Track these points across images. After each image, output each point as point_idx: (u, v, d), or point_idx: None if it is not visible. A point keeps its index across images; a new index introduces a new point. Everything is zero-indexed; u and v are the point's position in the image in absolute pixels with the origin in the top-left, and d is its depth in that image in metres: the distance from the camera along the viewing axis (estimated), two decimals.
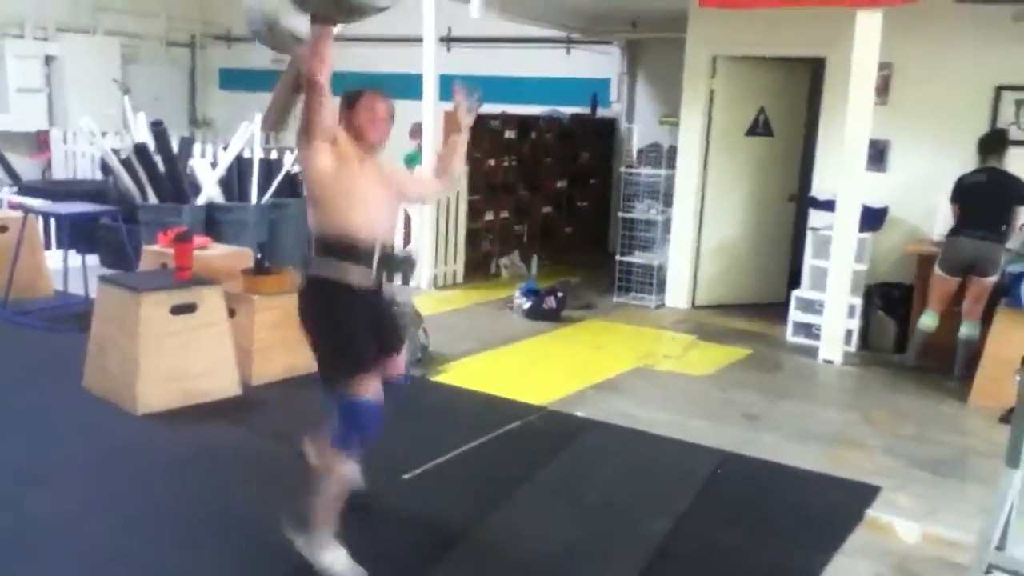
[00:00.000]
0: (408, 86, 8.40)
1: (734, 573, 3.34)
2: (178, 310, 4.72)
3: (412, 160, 8.18)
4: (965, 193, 5.75)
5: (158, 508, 3.65)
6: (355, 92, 3.24)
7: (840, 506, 3.94)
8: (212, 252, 5.80)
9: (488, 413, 4.93)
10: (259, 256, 5.42)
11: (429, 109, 7.79)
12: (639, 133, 9.20)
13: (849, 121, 6.00)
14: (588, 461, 4.30)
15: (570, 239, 9.94)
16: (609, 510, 3.76)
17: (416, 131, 8.07)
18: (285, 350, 5.22)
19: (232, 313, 5.12)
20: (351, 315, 3.12)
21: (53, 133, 10.78)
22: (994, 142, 5.83)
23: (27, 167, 11.02)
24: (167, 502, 3.72)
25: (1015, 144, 6.05)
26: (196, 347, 4.79)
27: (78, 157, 10.55)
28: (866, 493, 4.08)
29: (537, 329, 6.88)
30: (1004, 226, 5.71)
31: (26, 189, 8.75)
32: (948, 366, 5.97)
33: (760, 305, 7.75)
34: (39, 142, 11.04)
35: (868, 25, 5.83)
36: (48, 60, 11.30)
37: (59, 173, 10.69)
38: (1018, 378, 3.35)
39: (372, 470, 3.84)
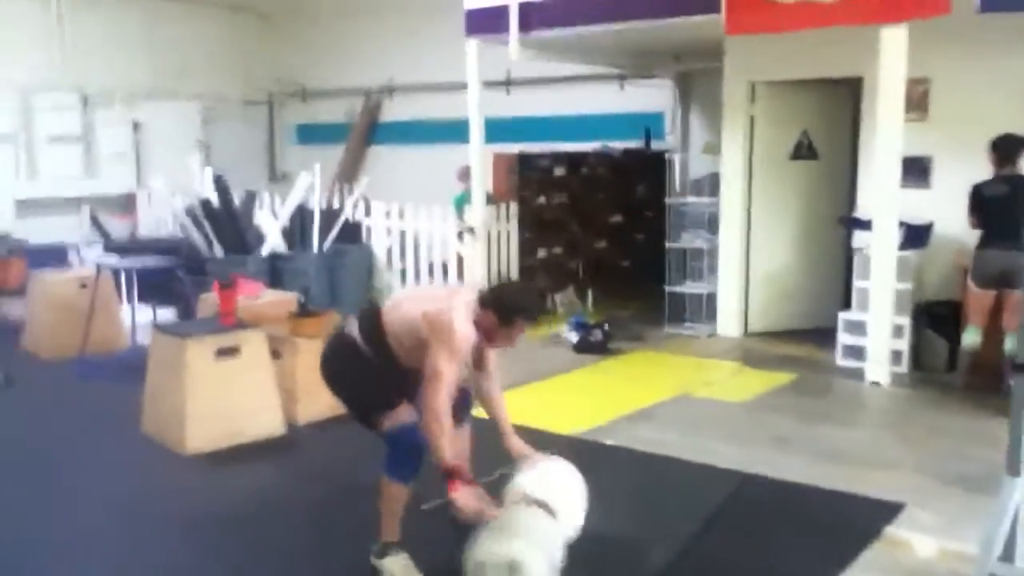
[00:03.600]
0: (456, 131, 8.73)
1: None
2: (222, 353, 5.03)
3: (461, 201, 8.44)
4: (988, 204, 5.63)
5: (196, 552, 3.87)
6: (513, 312, 3.43)
7: (858, 523, 3.92)
8: (262, 299, 6.14)
9: None
10: (302, 300, 5.72)
11: (475, 152, 8.05)
12: (695, 163, 9.29)
13: (880, 138, 5.99)
14: (602, 486, 4.32)
15: (627, 272, 9.99)
16: (609, 537, 3.79)
17: (464, 174, 8.33)
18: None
19: (277, 355, 5.41)
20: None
21: (139, 195, 11.49)
22: (1014, 147, 5.67)
23: (117, 227, 11.79)
24: (206, 545, 3.92)
25: None
26: (240, 389, 5.08)
27: (161, 217, 11.19)
28: (888, 510, 4.04)
29: (583, 361, 6.98)
30: None
31: (110, 247, 9.37)
32: (1000, 383, 5.81)
33: (814, 330, 7.63)
34: (126, 204, 11.79)
35: (894, 41, 5.83)
36: (135, 126, 12.09)
37: (145, 231, 11.37)
38: (1012, 383, 3.34)
39: None
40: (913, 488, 4.31)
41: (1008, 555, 3.32)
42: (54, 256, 9.53)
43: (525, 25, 7.44)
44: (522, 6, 7.37)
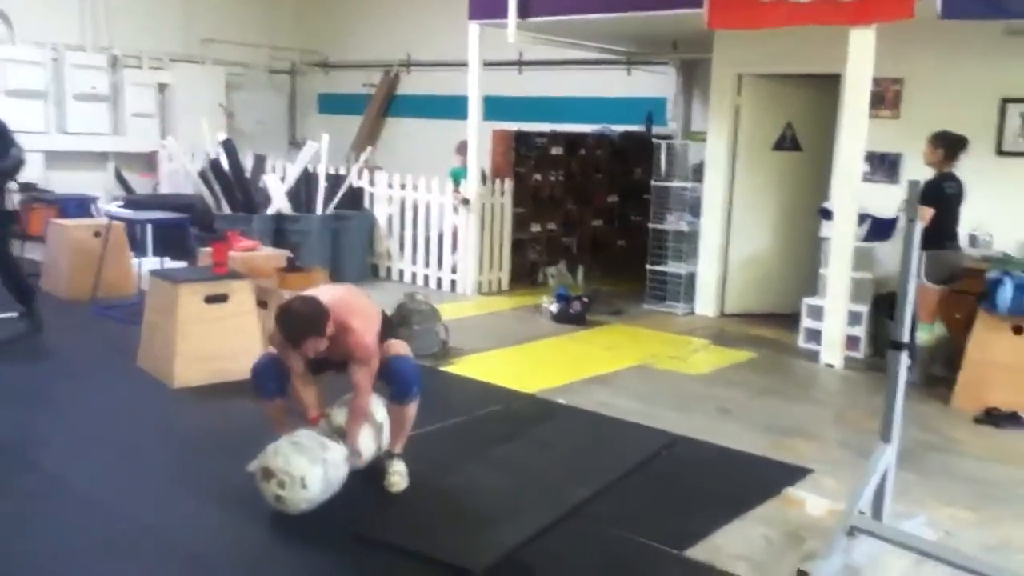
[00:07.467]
0: (456, 107, 9.14)
1: (631, 529, 3.73)
2: (211, 299, 5.49)
3: (457, 175, 8.83)
4: (947, 202, 5.91)
5: (171, 464, 4.36)
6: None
7: (763, 483, 4.28)
8: (257, 254, 6.60)
9: (478, 397, 5.50)
10: (290, 256, 6.16)
11: (473, 128, 8.44)
12: (696, 148, 9.61)
13: (843, 134, 6.32)
14: (544, 439, 4.79)
15: (623, 252, 10.36)
16: (540, 478, 4.22)
17: (461, 148, 8.72)
18: None
19: (264, 305, 5.86)
20: None
21: (160, 153, 12.00)
22: (959, 145, 5.87)
23: (141, 183, 12.33)
24: (179, 459, 4.43)
25: (1015, 155, 6.24)
26: (226, 332, 5.54)
27: (181, 174, 11.69)
28: (795, 474, 4.41)
29: (559, 331, 7.38)
30: None
31: (129, 201, 9.87)
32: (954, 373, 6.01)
33: (788, 315, 7.95)
34: (150, 161, 12.32)
35: (862, 41, 6.13)
36: (161, 87, 12.59)
37: (165, 189, 11.88)
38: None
39: None
40: (828, 459, 4.67)
41: (877, 513, 3.72)
42: (79, 207, 10.10)
43: (524, 11, 7.80)
44: None
